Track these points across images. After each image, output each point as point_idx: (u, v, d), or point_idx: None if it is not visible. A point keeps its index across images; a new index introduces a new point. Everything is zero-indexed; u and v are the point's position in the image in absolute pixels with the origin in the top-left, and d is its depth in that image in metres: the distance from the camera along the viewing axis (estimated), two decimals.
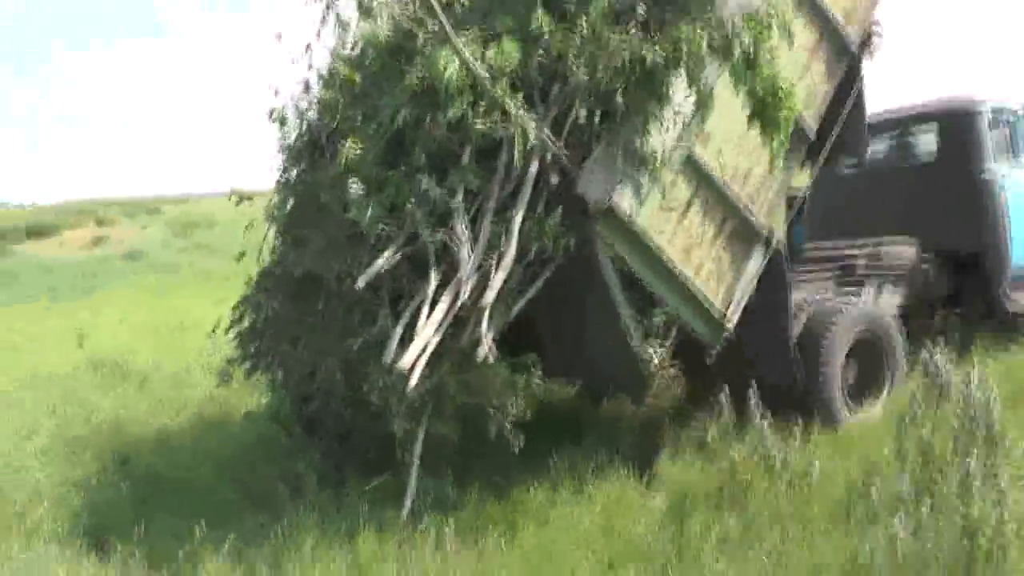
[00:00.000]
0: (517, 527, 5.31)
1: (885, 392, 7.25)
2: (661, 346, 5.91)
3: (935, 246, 8.74)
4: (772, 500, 5.20)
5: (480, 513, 5.51)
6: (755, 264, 6.39)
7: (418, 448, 5.64)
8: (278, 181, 7.09)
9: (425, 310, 5.17)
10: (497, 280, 5.18)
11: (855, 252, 8.44)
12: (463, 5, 5.81)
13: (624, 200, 5.53)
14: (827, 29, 6.76)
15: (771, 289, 6.50)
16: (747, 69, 5.45)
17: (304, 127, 6.84)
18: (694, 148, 5.93)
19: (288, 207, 6.86)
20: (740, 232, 6.27)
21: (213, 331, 7.49)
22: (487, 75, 5.26)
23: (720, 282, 6.17)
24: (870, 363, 7.27)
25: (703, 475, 5.67)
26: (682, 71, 5.42)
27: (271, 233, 7.07)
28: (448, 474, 5.84)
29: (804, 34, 6.57)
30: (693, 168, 5.97)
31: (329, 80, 6.53)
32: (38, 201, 45.48)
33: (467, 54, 5.23)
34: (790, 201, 8.72)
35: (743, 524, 4.99)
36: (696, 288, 5.96)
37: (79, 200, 37.32)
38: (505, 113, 5.29)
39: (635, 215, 5.60)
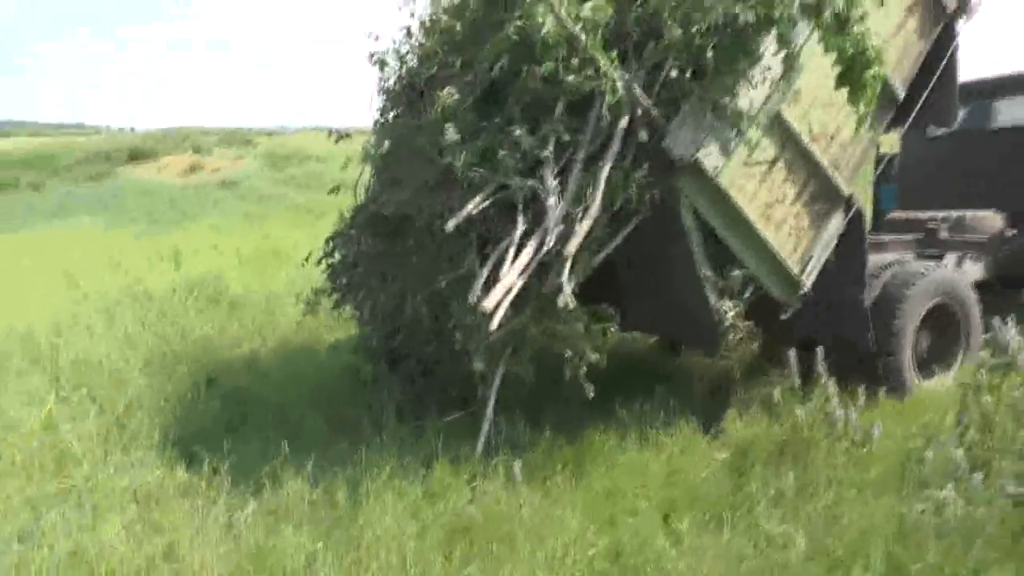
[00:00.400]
0: (584, 469, 5.54)
1: (958, 362, 7.23)
2: (737, 303, 6.04)
3: None
4: (831, 461, 5.34)
5: (550, 454, 5.75)
6: (835, 225, 6.43)
7: (495, 387, 5.91)
8: (376, 122, 7.32)
9: (511, 255, 5.35)
10: (582, 230, 5.33)
11: (937, 220, 8.35)
12: None
13: (709, 157, 5.65)
14: None
15: (849, 252, 6.53)
16: (838, 30, 5.44)
17: (404, 72, 7.07)
18: (782, 107, 5.99)
19: (384, 148, 7.09)
20: (822, 193, 6.32)
21: (305, 261, 7.85)
22: (580, 30, 5.36)
23: (798, 242, 6.24)
24: (946, 332, 7.26)
25: (767, 432, 5.81)
26: (773, 31, 5.46)
27: (367, 172, 7.33)
28: (521, 415, 6.10)
29: None
30: (780, 127, 6.04)
31: (430, 27, 6.72)
32: (139, 127, 46.92)
33: (562, 9, 5.34)
34: (876, 162, 8.73)
35: (800, 482, 5.14)
36: (773, 247, 6.05)
37: (178, 127, 38.44)
38: (597, 68, 5.41)
39: (719, 172, 5.71)
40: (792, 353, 6.07)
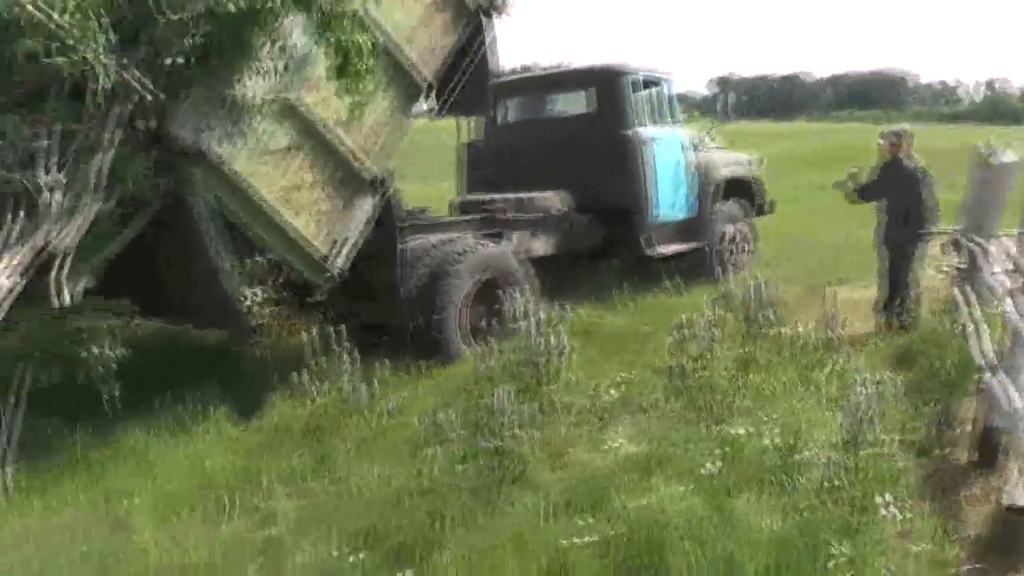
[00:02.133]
0: (96, 469, 5.41)
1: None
2: (262, 287, 6.08)
3: (590, 201, 9.47)
4: (350, 435, 5.57)
5: (70, 458, 5.55)
6: (364, 209, 6.68)
7: (23, 393, 5.53)
8: None
9: (7, 256, 5.04)
10: (73, 225, 5.14)
11: (500, 201, 8.90)
12: None
13: (218, 143, 5.65)
14: None
15: (383, 235, 6.82)
16: (326, 25, 5.61)
17: None
18: (299, 95, 6.10)
19: None
20: (346, 178, 6.54)
21: None
22: (62, 11, 5.09)
23: (322, 225, 6.40)
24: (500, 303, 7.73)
25: (294, 413, 5.96)
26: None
27: None
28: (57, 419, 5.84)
29: None
30: (295, 115, 6.14)
31: None
32: None
33: None
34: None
35: (316, 459, 5.33)
36: (296, 231, 6.17)
37: None
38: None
39: (230, 158, 5.73)
40: (309, 334, 6.21)
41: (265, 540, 4.47)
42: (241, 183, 5.81)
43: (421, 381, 6.66)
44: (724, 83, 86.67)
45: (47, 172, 5.21)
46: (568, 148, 9.72)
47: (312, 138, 6.26)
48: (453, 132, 10.29)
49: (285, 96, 5.98)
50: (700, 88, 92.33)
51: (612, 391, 5.92)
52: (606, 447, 5.18)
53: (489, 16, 7.61)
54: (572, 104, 10.45)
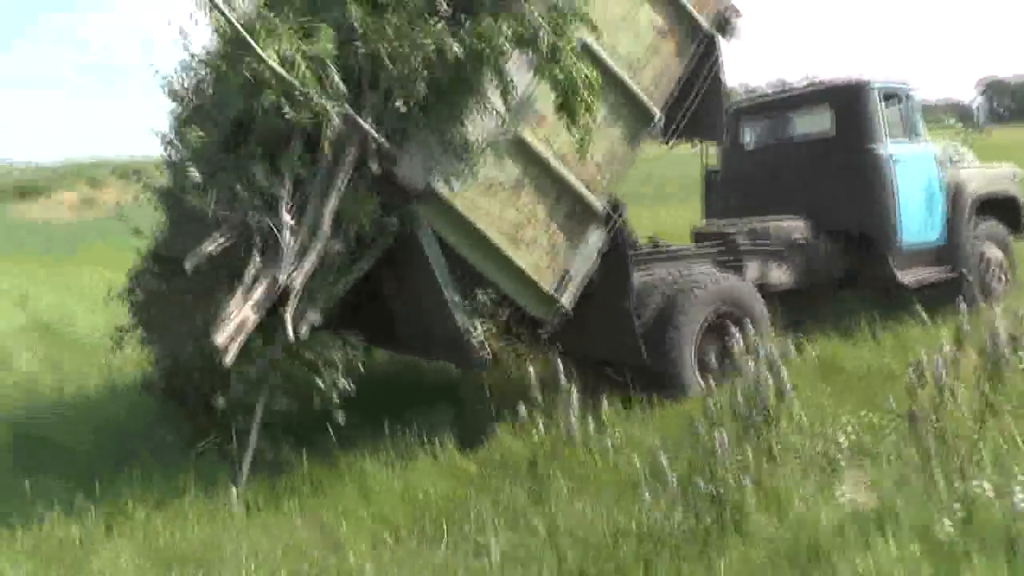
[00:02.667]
0: (325, 490, 5.75)
1: None
2: (488, 321, 6.19)
3: (830, 224, 8.95)
4: (569, 471, 5.54)
5: (303, 479, 5.91)
6: (593, 243, 6.66)
7: (257, 418, 5.97)
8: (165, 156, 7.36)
9: (241, 291, 5.47)
10: (307, 263, 5.49)
11: (735, 229, 8.62)
12: None
13: (443, 183, 5.84)
14: (677, 12, 6.98)
15: (613, 267, 6.76)
16: (550, 60, 5.65)
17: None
18: (523, 132, 6.20)
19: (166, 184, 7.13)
20: (574, 211, 6.53)
21: (107, 297, 7.83)
22: (302, 66, 5.46)
23: (552, 260, 6.45)
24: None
25: (515, 446, 6.03)
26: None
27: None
28: (288, 442, 6.19)
29: (653, 16, 6.84)
30: (522, 151, 6.25)
31: (188, 67, 6.80)
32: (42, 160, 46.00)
33: (259, 49, 5.41)
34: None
35: (533, 493, 5.36)
36: (522, 266, 6.26)
37: (73, 159, 37.78)
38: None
39: (455, 196, 5.90)
40: (535, 367, 6.23)
41: (474, 572, 4.56)
42: (469, 220, 5.99)
43: (645, 417, 6.53)
44: (992, 86, 77.69)
45: (287, 215, 5.62)
46: (808, 170, 9.27)
47: (539, 173, 6.34)
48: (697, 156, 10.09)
49: (512, 132, 6.10)
50: (960, 94, 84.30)
51: (842, 436, 5.55)
52: (831, 498, 4.86)
53: (722, 37, 7.44)
54: (812, 123, 9.96)
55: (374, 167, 5.76)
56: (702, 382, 7.13)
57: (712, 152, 10.08)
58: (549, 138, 6.31)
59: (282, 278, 5.49)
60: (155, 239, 7.26)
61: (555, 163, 6.37)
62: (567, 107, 5.78)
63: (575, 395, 5.86)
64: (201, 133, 6.02)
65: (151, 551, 5.03)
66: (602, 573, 4.42)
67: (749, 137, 10.29)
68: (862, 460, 5.37)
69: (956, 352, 5.62)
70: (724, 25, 7.46)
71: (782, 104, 10.20)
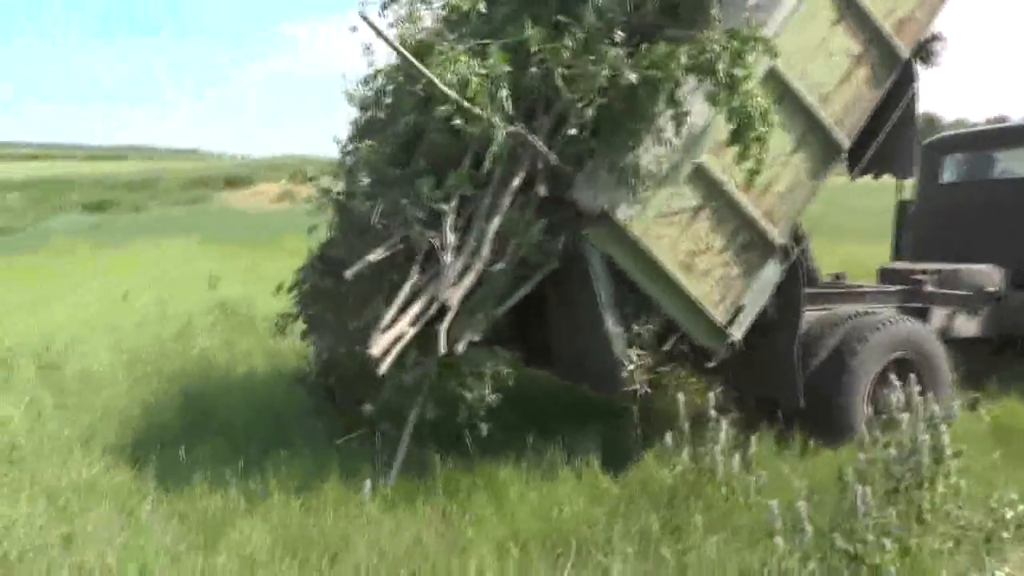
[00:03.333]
0: (464, 498, 5.69)
1: None
2: (642, 353, 5.99)
3: None
4: (708, 506, 5.31)
5: (447, 484, 5.88)
6: (769, 275, 6.34)
7: (409, 424, 5.98)
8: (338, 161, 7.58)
9: (398, 304, 5.52)
10: (465, 282, 5.49)
11: (924, 272, 8.04)
12: (481, 14, 6.05)
13: (619, 207, 5.69)
14: (874, 38, 6.54)
15: (785, 302, 6.44)
16: (728, 90, 5.41)
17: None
18: (703, 159, 5.96)
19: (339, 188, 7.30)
20: (753, 243, 6.25)
21: (277, 290, 8.08)
22: (475, 83, 5.44)
23: (726, 291, 6.18)
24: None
25: (658, 474, 5.81)
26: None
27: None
28: (432, 447, 6.18)
29: (847, 41, 6.45)
30: (702, 178, 6.01)
31: (371, 79, 6.95)
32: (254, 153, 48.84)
33: (424, 69, 5.46)
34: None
35: (669, 524, 5.16)
36: (695, 296, 6.02)
37: (284, 155, 40.04)
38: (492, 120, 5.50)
39: (631, 222, 5.74)
40: (681, 398, 5.98)
41: None
42: (642, 247, 5.81)
43: (796, 458, 6.19)
44: None
45: (451, 233, 5.62)
46: (1008, 213, 8.59)
47: (717, 202, 6.08)
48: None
49: (692, 159, 5.89)
50: None
51: (1008, 508, 5.05)
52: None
53: (921, 64, 6.98)
54: (1019, 163, 9.20)
55: (542, 189, 5.70)
56: (863, 430, 6.73)
57: (909, 183, 9.49)
58: (727, 167, 6.05)
59: (441, 295, 5.50)
60: (328, 237, 7.45)
61: (735, 192, 6.11)
62: (739, 139, 5.52)
63: (724, 429, 5.61)
64: (373, 143, 6.12)
65: (283, 533, 5.14)
66: None
67: (950, 173, 9.61)
68: None
69: None
70: (923, 51, 6.98)
71: (994, 140, 9.47)
